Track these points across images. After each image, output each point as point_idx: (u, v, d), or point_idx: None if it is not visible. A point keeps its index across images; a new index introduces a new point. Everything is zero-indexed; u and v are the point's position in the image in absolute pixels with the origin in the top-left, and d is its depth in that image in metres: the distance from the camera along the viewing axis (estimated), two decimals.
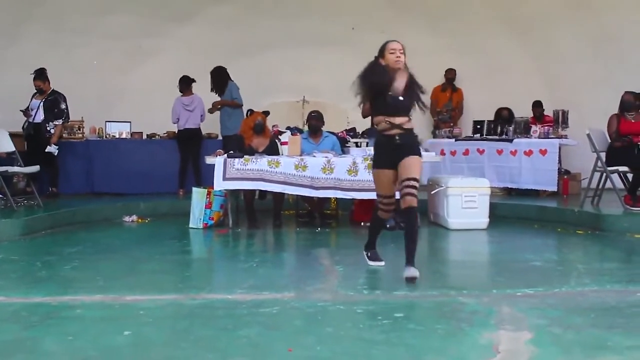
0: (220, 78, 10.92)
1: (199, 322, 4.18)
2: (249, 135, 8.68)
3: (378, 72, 5.39)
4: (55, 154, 10.25)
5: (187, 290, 5.14)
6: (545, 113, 11.30)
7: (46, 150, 10.12)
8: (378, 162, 5.54)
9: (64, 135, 10.76)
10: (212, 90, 10.91)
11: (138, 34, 12.30)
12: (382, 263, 5.84)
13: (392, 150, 5.39)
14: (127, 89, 12.28)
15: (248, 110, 9.05)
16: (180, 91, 10.88)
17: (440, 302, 4.71)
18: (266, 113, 8.94)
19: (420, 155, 5.48)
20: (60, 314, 4.40)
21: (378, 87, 5.35)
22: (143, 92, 12.01)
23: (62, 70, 10.93)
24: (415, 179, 5.29)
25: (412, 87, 5.44)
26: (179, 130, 10.89)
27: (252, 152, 8.45)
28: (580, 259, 6.82)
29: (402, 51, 5.41)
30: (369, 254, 5.91)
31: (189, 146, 10.79)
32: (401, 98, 5.34)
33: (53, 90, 10.46)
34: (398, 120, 5.36)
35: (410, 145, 5.42)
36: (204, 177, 9.94)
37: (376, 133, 5.58)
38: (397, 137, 5.37)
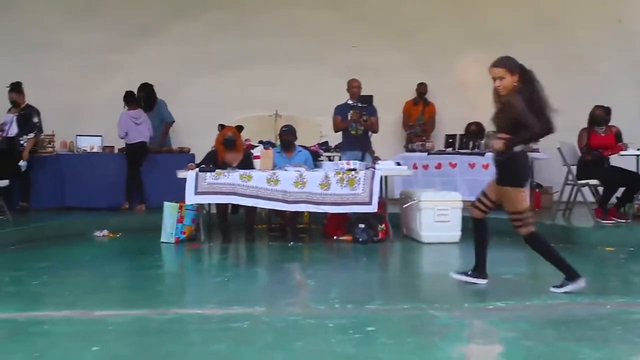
0: (148, 96, 11.21)
1: (168, 337, 4.14)
2: (221, 150, 8.64)
3: None
4: (23, 169, 10.08)
5: (158, 305, 5.09)
6: None
7: (18, 165, 9.99)
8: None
9: (36, 149, 10.60)
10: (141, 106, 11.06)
11: (104, 49, 12.20)
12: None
13: None
14: (95, 103, 12.16)
15: (219, 125, 8.94)
16: (127, 106, 10.82)
17: (412, 316, 4.71)
18: (240, 128, 8.86)
19: None
20: (27, 330, 4.34)
21: None
22: (111, 107, 11.90)
23: (28, 85, 10.73)
24: None
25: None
26: (128, 144, 10.75)
27: (225, 166, 8.41)
28: (551, 272, 6.83)
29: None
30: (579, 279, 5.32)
31: (138, 160, 10.70)
32: None
33: (27, 104, 10.31)
34: None
35: None
36: (173, 191, 9.54)
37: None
38: None
